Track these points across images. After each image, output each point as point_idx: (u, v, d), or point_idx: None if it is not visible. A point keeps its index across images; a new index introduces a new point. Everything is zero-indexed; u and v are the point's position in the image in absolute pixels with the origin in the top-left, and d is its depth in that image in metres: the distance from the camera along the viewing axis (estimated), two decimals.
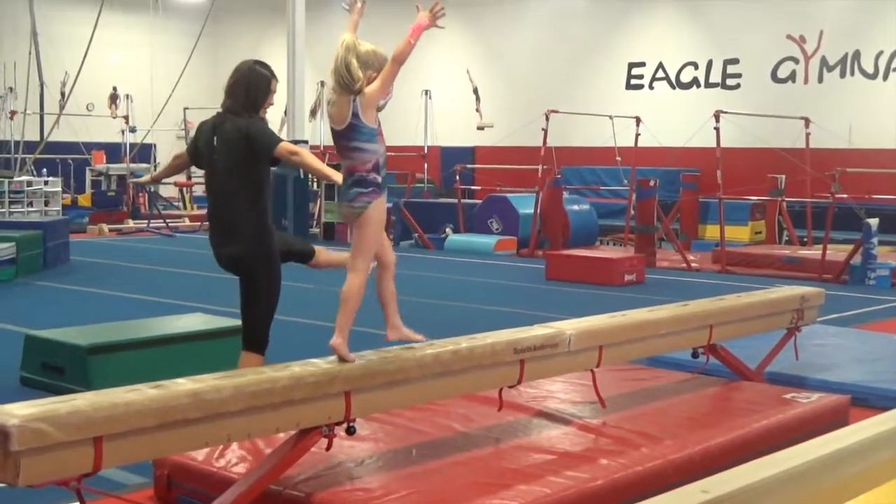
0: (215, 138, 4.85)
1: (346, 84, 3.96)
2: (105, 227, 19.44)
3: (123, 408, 3.14)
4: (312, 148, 19.65)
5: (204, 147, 4.89)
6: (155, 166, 24.70)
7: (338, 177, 4.37)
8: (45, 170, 20.80)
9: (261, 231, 4.82)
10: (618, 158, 17.55)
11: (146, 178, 5.47)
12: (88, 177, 23.47)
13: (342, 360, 3.87)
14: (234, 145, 4.77)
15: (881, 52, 19.07)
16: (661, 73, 21.98)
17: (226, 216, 4.85)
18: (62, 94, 22.28)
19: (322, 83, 21.50)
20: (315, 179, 20.09)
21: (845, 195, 14.18)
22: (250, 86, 4.85)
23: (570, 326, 4.77)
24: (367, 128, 3.99)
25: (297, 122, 18.88)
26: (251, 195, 4.79)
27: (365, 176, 4.01)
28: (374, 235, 4.04)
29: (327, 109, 4.11)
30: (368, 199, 4.01)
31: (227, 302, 10.07)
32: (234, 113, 4.83)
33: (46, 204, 19.75)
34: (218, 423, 3.41)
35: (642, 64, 22.20)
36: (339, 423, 3.83)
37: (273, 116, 23.12)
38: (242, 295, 4.96)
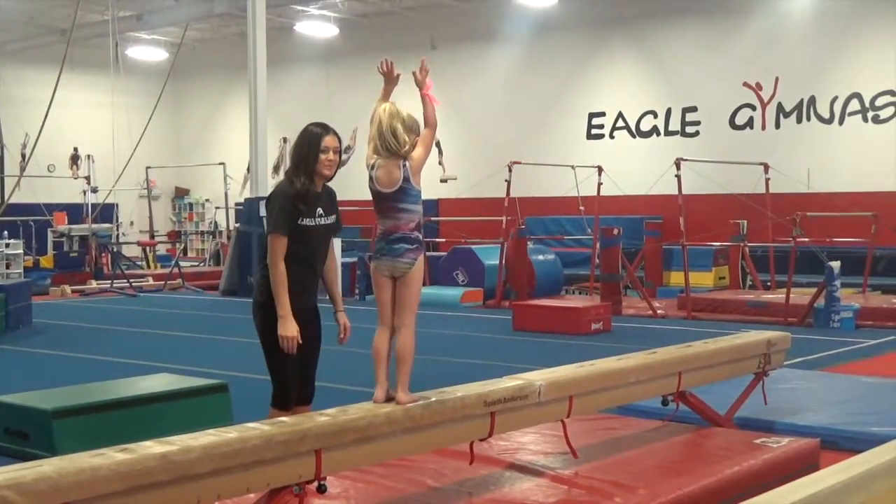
0: None
1: (393, 150, 4.19)
2: (68, 288, 19.27)
3: (90, 473, 3.09)
4: None
5: None
6: (118, 226, 24.58)
7: (287, 330, 4.54)
8: (6, 232, 20.60)
9: (263, 284, 4.78)
10: (581, 208, 17.67)
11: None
12: (50, 238, 23.28)
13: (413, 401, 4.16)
14: (267, 206, 4.88)
15: (836, 98, 19.37)
16: (621, 123, 22.20)
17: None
18: (23, 156, 22.18)
19: (285, 139, 21.52)
20: None
21: (807, 239, 14.32)
22: (301, 146, 4.81)
23: (539, 377, 4.77)
24: (415, 190, 4.25)
25: (260, 178, 18.84)
26: (266, 254, 4.84)
27: (408, 234, 4.23)
28: (419, 291, 4.30)
29: (373, 173, 4.26)
30: (415, 256, 4.22)
31: (192, 362, 10.02)
32: (287, 175, 4.88)
33: (8, 266, 19.53)
34: (187, 485, 3.36)
35: (602, 114, 22.41)
36: (309, 482, 3.79)
37: (236, 173, 23.18)
38: None
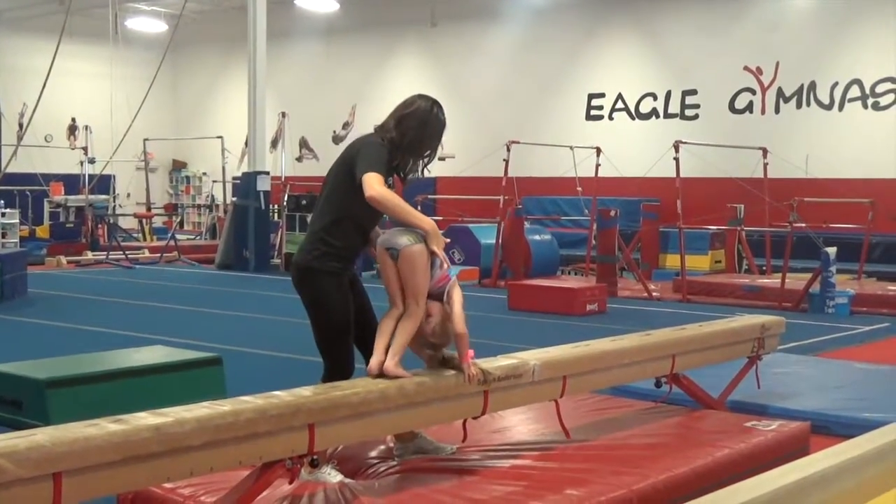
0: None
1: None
2: (63, 259, 19.25)
3: (83, 443, 3.09)
4: (273, 179, 19.61)
5: None
6: (115, 197, 24.54)
7: (440, 242, 4.25)
8: (2, 201, 20.58)
9: (318, 247, 4.39)
10: (578, 189, 17.66)
11: None
12: (47, 208, 23.24)
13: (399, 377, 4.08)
14: (342, 159, 4.41)
15: (836, 83, 19.34)
16: (620, 104, 22.15)
17: (307, 232, 4.55)
18: (20, 126, 22.09)
19: (283, 114, 21.47)
20: (277, 210, 20.01)
21: (803, 224, 14.33)
22: (425, 128, 4.41)
23: (533, 357, 4.77)
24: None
25: (258, 152, 18.81)
26: (328, 211, 4.43)
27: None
28: (423, 274, 4.19)
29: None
30: (418, 238, 4.14)
31: (186, 334, 10.03)
32: (391, 143, 4.37)
33: (4, 236, 19.53)
34: (180, 457, 3.36)
35: (602, 95, 22.37)
36: (302, 456, 3.79)
37: (234, 147, 23.12)
38: None
